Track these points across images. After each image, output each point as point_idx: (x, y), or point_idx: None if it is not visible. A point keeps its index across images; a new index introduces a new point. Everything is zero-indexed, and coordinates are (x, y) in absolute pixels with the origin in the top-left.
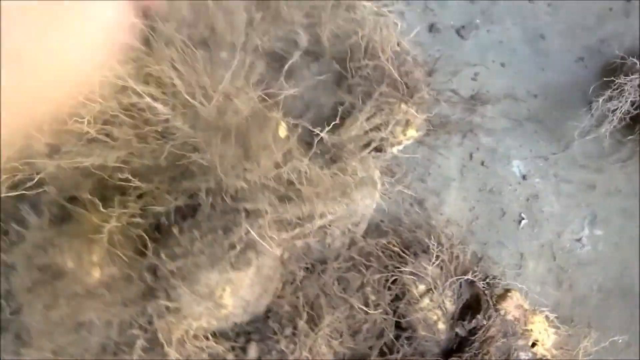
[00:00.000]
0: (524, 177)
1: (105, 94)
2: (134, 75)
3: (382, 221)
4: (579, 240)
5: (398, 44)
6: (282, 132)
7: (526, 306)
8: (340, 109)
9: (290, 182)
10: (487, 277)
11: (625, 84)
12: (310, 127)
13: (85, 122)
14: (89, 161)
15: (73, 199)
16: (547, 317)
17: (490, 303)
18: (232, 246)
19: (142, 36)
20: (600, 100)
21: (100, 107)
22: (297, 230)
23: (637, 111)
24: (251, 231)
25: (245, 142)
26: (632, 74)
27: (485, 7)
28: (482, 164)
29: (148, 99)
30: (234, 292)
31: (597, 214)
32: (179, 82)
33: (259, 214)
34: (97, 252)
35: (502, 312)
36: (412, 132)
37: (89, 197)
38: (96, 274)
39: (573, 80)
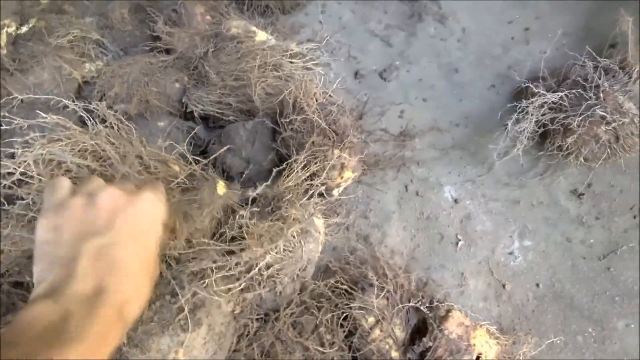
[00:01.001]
0: (455, 201)
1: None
2: (70, 152)
3: (330, 261)
4: (511, 253)
5: (325, 94)
6: (221, 189)
7: (467, 322)
8: (276, 161)
9: (233, 238)
10: (431, 300)
11: (528, 106)
12: (241, 188)
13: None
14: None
15: (19, 285)
16: (487, 330)
17: (434, 325)
18: (181, 309)
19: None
20: (509, 123)
21: (38, 185)
22: (244, 284)
23: (543, 129)
24: (199, 291)
25: (185, 206)
26: (532, 97)
27: (402, 49)
28: (417, 193)
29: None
30: (186, 353)
31: (524, 226)
32: (114, 154)
33: (204, 273)
34: None
35: (446, 332)
36: (348, 174)
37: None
38: None
39: (488, 106)
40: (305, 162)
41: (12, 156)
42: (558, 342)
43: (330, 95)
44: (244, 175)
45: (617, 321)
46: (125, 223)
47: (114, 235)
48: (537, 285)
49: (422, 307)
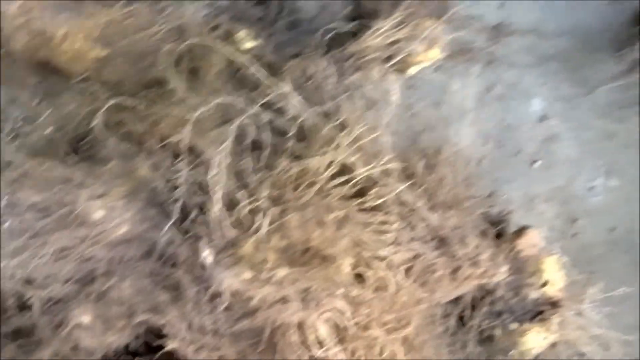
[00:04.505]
0: (543, 117)
1: None
2: None
3: None
4: (591, 188)
5: None
6: (248, 43)
7: (541, 246)
8: (356, 16)
9: None
10: (500, 212)
11: None
12: None
13: None
14: None
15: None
16: (559, 260)
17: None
18: None
19: None
20: (637, 46)
21: None
22: None
23: None
24: None
25: None
26: None
27: None
28: (502, 98)
29: None
30: None
31: (614, 164)
32: None
33: None
34: (133, 208)
35: (515, 249)
36: (434, 53)
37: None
38: (124, 229)
39: (604, 24)
40: (396, 23)
41: None
42: (617, 293)
43: None
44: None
45: None
46: None
47: None
48: (613, 229)
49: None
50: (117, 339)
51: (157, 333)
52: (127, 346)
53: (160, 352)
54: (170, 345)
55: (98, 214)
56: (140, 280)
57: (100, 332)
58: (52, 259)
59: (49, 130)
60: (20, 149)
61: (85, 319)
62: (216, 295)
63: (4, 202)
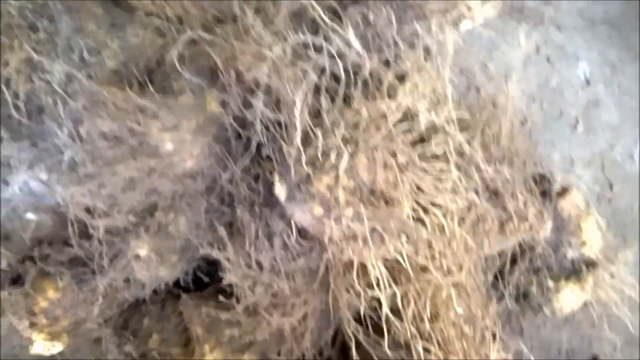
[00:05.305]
0: (587, 82)
1: None
2: None
3: None
4: (631, 155)
5: None
6: None
7: (582, 206)
8: None
9: None
10: (546, 171)
11: None
12: None
13: None
14: None
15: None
16: (598, 222)
17: (550, 196)
18: None
19: None
20: None
21: None
22: None
23: None
24: None
25: None
26: None
27: None
28: (548, 60)
29: None
30: None
31: None
32: None
33: None
34: (201, 142)
35: (558, 208)
36: (489, 8)
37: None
38: (190, 163)
39: None
40: None
41: None
42: None
43: None
44: None
45: None
46: None
47: None
48: None
49: (540, 177)
50: (169, 274)
51: (207, 271)
52: (177, 281)
53: (214, 286)
54: (227, 280)
55: (168, 146)
56: (198, 216)
57: (155, 266)
58: (120, 188)
59: (114, 61)
60: (89, 78)
61: (142, 251)
62: (274, 234)
63: (66, 133)
